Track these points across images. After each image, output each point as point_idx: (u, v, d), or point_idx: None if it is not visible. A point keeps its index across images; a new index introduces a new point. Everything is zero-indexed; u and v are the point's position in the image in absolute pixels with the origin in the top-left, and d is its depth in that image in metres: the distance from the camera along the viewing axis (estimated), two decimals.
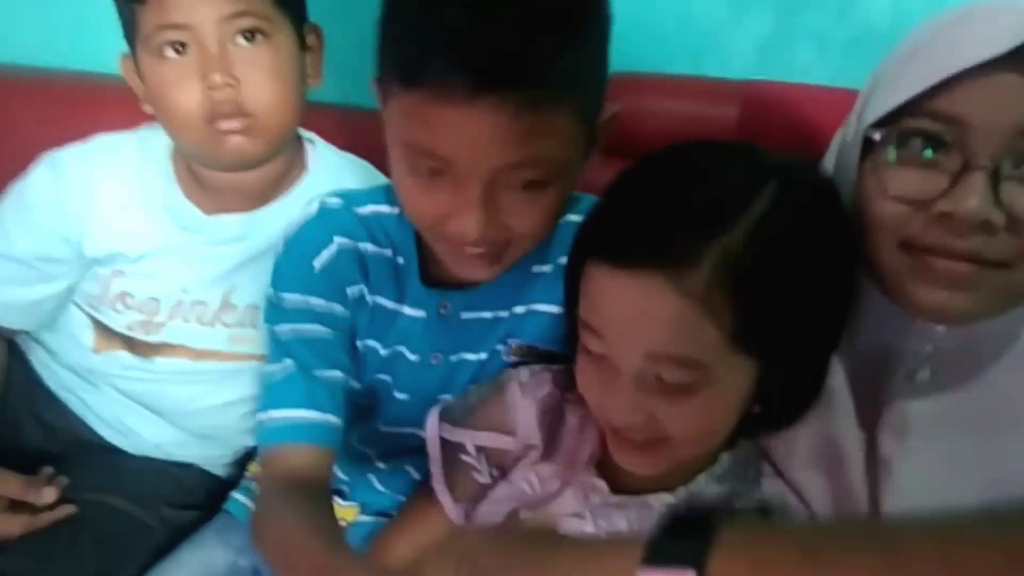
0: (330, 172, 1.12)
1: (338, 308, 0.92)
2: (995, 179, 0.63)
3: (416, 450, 0.95)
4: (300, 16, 1.04)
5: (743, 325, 0.67)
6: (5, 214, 1.11)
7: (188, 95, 0.98)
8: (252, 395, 1.11)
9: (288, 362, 0.90)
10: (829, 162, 0.79)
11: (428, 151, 0.76)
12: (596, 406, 0.77)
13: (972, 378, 0.73)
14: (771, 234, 0.67)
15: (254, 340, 1.10)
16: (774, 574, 0.45)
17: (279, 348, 0.91)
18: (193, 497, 1.17)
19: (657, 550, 0.48)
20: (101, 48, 1.11)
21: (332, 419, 0.89)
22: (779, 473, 0.84)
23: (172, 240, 1.10)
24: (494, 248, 0.82)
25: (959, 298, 0.67)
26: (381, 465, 1.08)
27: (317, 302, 0.91)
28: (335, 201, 0.95)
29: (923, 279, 0.68)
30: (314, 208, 0.95)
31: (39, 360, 1.21)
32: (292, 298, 0.91)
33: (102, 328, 1.14)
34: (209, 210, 1.10)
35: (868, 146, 0.70)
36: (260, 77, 0.98)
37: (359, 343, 0.96)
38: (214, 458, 1.20)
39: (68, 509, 1.07)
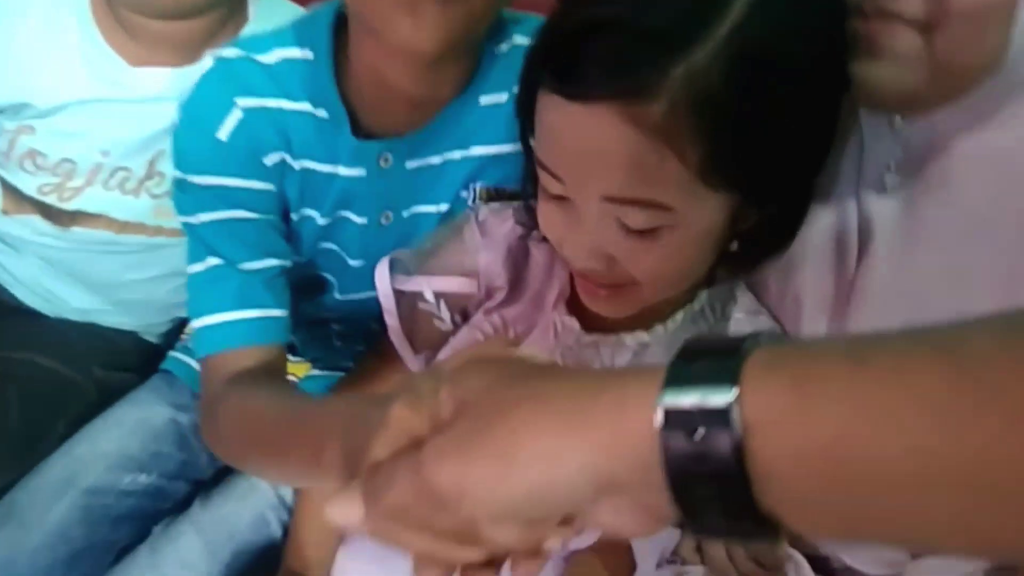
0: (274, 24, 0.95)
1: (257, 184, 0.82)
2: None
3: (378, 312, 0.86)
4: None
5: (712, 158, 0.59)
6: None
7: None
8: (183, 269, 1.03)
9: (212, 260, 0.81)
10: None
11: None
12: (559, 248, 0.71)
13: (939, 185, 0.70)
14: (746, 47, 0.58)
15: None
16: (821, 386, 0.38)
17: (198, 244, 0.82)
18: (127, 359, 1.11)
19: (682, 372, 0.41)
20: None
21: (274, 312, 0.82)
22: (766, 307, 0.80)
23: (90, 92, 0.98)
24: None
25: (894, 70, 0.63)
26: (337, 327, 1.01)
27: (231, 182, 0.81)
28: (232, 52, 0.81)
29: (867, 53, 0.63)
30: (208, 63, 0.81)
31: None
32: (201, 180, 0.80)
33: (10, 189, 1.04)
34: (134, 61, 0.98)
35: None
36: None
37: (293, 215, 0.86)
38: (147, 326, 1.13)
39: None
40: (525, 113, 0.68)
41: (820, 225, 0.75)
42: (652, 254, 0.65)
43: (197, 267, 0.82)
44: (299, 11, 0.94)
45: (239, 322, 0.81)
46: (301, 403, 0.72)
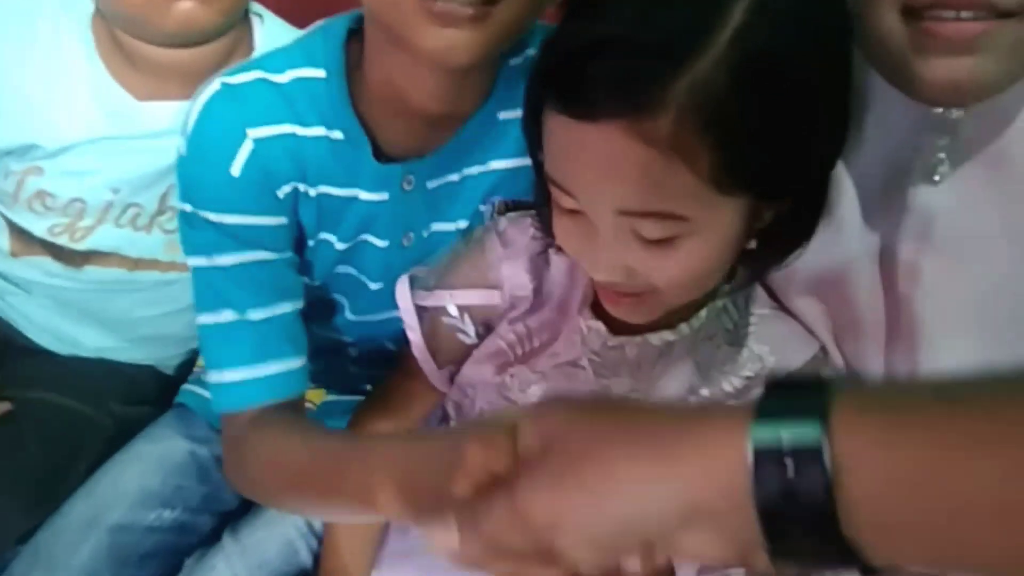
0: None
1: (270, 220, 0.79)
2: None
3: (395, 331, 0.87)
4: None
5: (723, 165, 0.59)
6: None
7: None
8: None
9: (225, 313, 0.79)
10: None
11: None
12: (577, 260, 0.71)
13: (997, 164, 0.69)
14: (748, 52, 0.58)
15: None
16: (911, 421, 0.40)
17: (209, 291, 0.80)
18: (144, 393, 1.10)
19: (770, 408, 0.43)
20: None
21: (293, 363, 0.81)
22: (776, 300, 0.80)
23: (97, 130, 0.96)
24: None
25: (969, 65, 0.61)
26: (352, 351, 1.00)
27: (244, 219, 0.78)
28: (241, 77, 0.78)
29: (929, 49, 0.61)
30: (214, 87, 0.78)
31: None
32: (212, 217, 0.78)
33: (18, 231, 1.02)
34: (141, 95, 0.96)
35: None
36: None
37: (309, 241, 0.85)
38: (163, 359, 1.12)
39: (3, 407, 0.99)
40: (532, 131, 0.68)
41: (869, 238, 0.74)
42: (671, 262, 0.65)
43: (208, 318, 0.80)
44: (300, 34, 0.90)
45: (258, 379, 0.79)
46: (340, 444, 0.73)
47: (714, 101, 0.58)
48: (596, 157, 0.61)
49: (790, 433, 0.41)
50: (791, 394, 0.44)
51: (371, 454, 0.67)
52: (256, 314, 0.79)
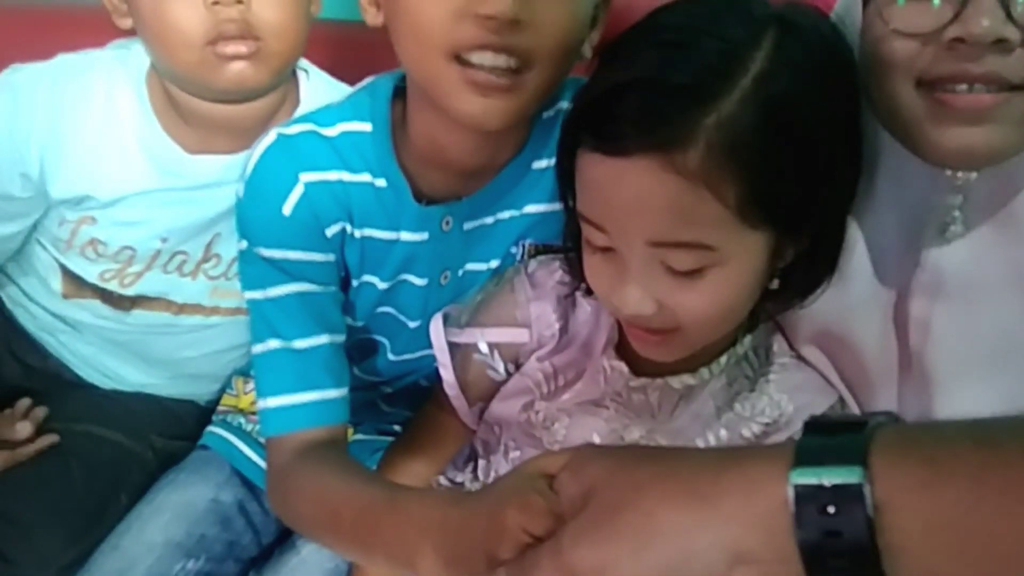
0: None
1: (319, 256, 0.85)
2: None
3: (428, 369, 0.90)
4: None
5: (748, 197, 0.64)
6: None
7: (188, 10, 0.86)
8: (241, 342, 1.06)
9: (272, 342, 0.84)
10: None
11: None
12: (605, 299, 0.74)
13: (1008, 223, 0.71)
14: (770, 94, 0.63)
15: (238, 293, 0.98)
16: (951, 465, 0.41)
17: (261, 322, 0.85)
18: (185, 427, 1.12)
19: (811, 449, 0.44)
20: None
21: (332, 393, 0.84)
22: (790, 346, 0.83)
23: (149, 182, 0.99)
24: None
25: (982, 134, 0.65)
26: (387, 390, 1.03)
27: (294, 255, 0.84)
28: (295, 129, 0.85)
29: (943, 119, 0.65)
30: (271, 138, 0.84)
31: (11, 299, 1.14)
32: (266, 252, 0.84)
33: (71, 275, 1.06)
34: (192, 148, 0.98)
35: None
36: None
37: (353, 281, 0.90)
38: (205, 394, 1.15)
39: (50, 439, 1.01)
40: (565, 174, 0.72)
41: (881, 294, 0.76)
42: (698, 295, 0.68)
43: (259, 348, 0.85)
44: (344, 89, 0.97)
45: (300, 406, 0.83)
46: (377, 493, 0.73)
47: (740, 136, 0.62)
48: (629, 190, 0.65)
49: (831, 474, 0.41)
50: (831, 435, 0.44)
51: (407, 512, 0.67)
52: (300, 343, 0.84)
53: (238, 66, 0.90)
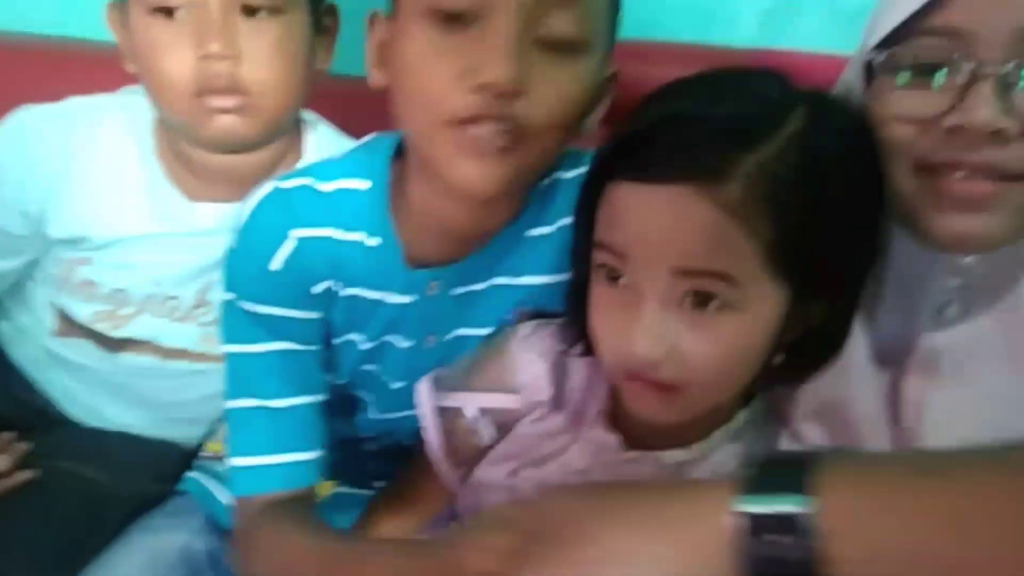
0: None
1: (304, 314, 0.83)
2: (1003, 87, 0.63)
3: (413, 428, 0.88)
4: None
5: (778, 241, 0.63)
6: None
7: (179, 62, 0.87)
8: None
9: (247, 400, 0.83)
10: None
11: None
12: (613, 345, 0.70)
13: (1004, 307, 0.71)
14: (805, 152, 0.64)
15: None
16: (890, 496, 0.43)
17: (238, 379, 0.84)
18: (167, 469, 1.09)
19: (756, 480, 0.45)
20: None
21: (306, 456, 0.83)
22: (783, 423, 0.81)
23: (147, 228, 0.99)
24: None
25: (980, 222, 0.65)
26: (371, 446, 1.01)
27: (279, 311, 0.82)
28: (292, 183, 0.83)
29: (942, 205, 0.66)
30: (266, 190, 0.83)
31: (3, 332, 1.13)
32: (250, 307, 0.82)
33: (64, 314, 1.06)
34: (193, 195, 0.99)
35: (873, 72, 0.70)
36: (264, 52, 0.88)
37: (335, 339, 0.88)
38: (192, 437, 1.13)
39: (26, 475, 1.00)
40: (588, 204, 0.71)
41: (876, 376, 0.76)
42: (710, 340, 0.66)
43: (234, 403, 0.84)
44: (349, 143, 0.96)
45: (272, 467, 0.82)
46: (339, 549, 0.74)
47: (778, 180, 0.63)
48: (663, 215, 0.64)
49: (776, 503, 0.43)
50: (777, 467, 0.46)
51: (370, 562, 0.68)
52: (276, 403, 0.82)
53: (225, 119, 0.90)
